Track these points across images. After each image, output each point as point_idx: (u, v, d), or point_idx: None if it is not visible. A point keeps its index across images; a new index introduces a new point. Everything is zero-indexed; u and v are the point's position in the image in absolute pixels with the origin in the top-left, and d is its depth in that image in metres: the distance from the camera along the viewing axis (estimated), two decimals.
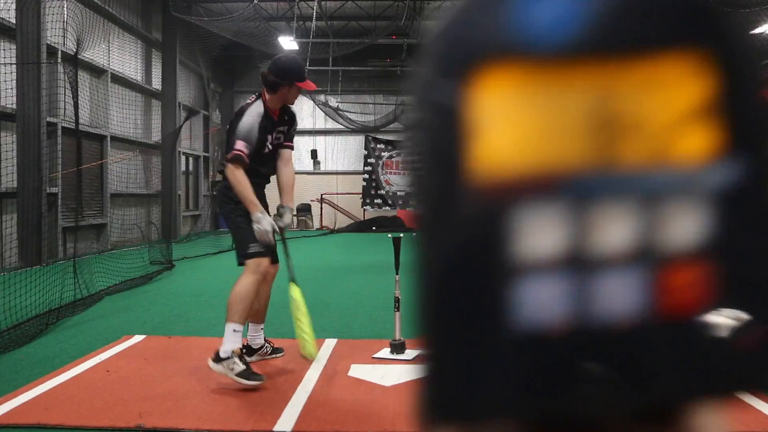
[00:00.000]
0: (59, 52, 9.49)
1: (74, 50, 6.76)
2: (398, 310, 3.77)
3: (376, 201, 16.66)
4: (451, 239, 0.21)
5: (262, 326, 3.69)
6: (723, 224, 0.22)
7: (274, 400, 3.00)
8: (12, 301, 4.80)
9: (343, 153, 19.33)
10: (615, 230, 0.21)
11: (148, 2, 13.60)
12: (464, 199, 0.21)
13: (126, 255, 8.83)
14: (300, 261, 8.96)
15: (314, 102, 16.79)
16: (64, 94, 8.65)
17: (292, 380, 3.30)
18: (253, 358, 3.64)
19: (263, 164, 3.45)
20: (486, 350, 0.22)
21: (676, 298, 0.21)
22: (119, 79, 12.20)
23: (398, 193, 16.23)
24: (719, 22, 0.23)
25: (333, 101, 17.76)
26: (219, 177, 3.49)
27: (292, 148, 3.63)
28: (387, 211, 16.99)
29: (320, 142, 19.24)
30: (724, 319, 0.22)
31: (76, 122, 6.55)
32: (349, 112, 17.86)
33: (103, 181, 11.40)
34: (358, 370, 3.47)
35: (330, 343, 4.11)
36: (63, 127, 9.47)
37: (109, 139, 11.45)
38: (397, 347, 3.72)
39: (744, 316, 0.23)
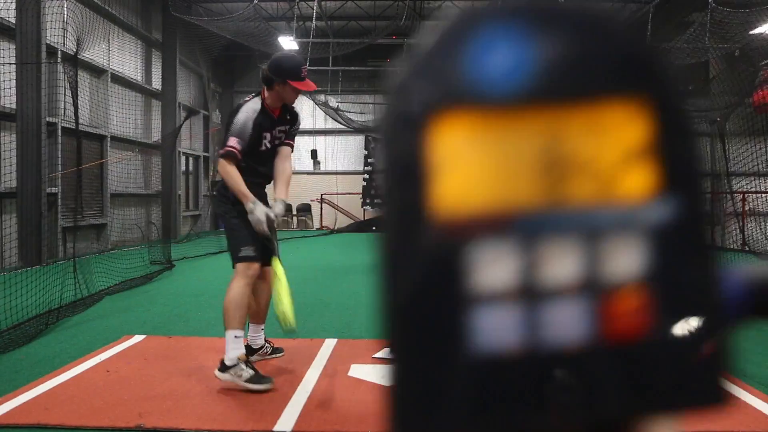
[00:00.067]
0: (59, 52, 9.49)
1: (74, 50, 6.76)
2: None
3: (376, 201, 16.60)
4: (412, 273, 0.25)
5: (262, 327, 3.69)
6: (661, 256, 0.25)
7: (274, 400, 3.00)
8: (12, 301, 4.80)
9: (343, 153, 19.32)
10: (562, 263, 0.24)
11: (148, 2, 13.60)
12: (425, 236, 0.25)
13: (126, 255, 8.83)
14: (300, 261, 8.98)
15: (314, 102, 16.77)
16: (64, 94, 8.65)
17: (292, 380, 3.30)
18: (254, 358, 3.64)
19: (262, 163, 3.42)
20: (445, 374, 0.24)
21: (619, 324, 0.24)
22: (119, 79, 12.20)
23: None
24: (656, 68, 0.26)
25: (333, 101, 17.75)
26: (219, 177, 3.46)
27: (291, 146, 3.60)
28: None
29: (320, 142, 19.24)
30: (668, 341, 0.25)
31: (76, 122, 6.55)
32: (349, 112, 17.85)
33: (103, 181, 11.40)
34: (358, 370, 3.47)
35: (330, 343, 4.11)
36: (63, 127, 9.47)
37: (109, 139, 11.44)
38: None
39: (686, 337, 0.25)
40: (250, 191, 3.25)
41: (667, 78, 0.26)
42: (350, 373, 3.43)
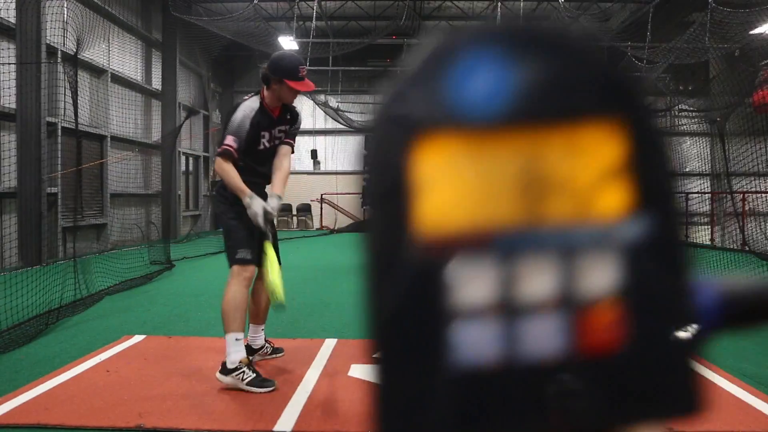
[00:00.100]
0: (59, 52, 9.49)
1: (74, 50, 6.76)
2: None
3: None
4: (396, 288, 0.26)
5: (262, 327, 3.68)
6: (635, 271, 0.26)
7: (274, 400, 3.00)
8: (12, 301, 4.80)
9: (343, 153, 19.32)
10: (540, 280, 0.25)
11: (148, 2, 13.60)
12: (409, 253, 0.26)
13: (126, 255, 8.83)
14: (300, 261, 8.98)
15: (314, 102, 16.77)
16: (64, 94, 8.65)
17: (292, 380, 3.30)
18: (254, 357, 3.64)
19: (261, 163, 3.39)
20: (428, 386, 0.26)
21: (595, 338, 0.25)
22: (119, 79, 12.20)
23: None
24: (630, 90, 0.27)
25: (333, 101, 17.75)
26: (218, 177, 3.44)
27: (291, 145, 3.55)
28: None
29: (320, 142, 19.24)
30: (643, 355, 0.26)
31: (76, 122, 6.55)
32: (349, 112, 17.85)
33: (103, 181, 11.40)
34: (358, 370, 3.47)
35: (330, 343, 4.11)
36: (63, 127, 9.47)
37: (109, 139, 11.45)
38: None
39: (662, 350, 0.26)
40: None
41: (641, 100, 0.28)
42: (350, 373, 3.43)
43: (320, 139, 19.22)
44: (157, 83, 14.14)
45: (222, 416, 2.81)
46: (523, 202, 0.27)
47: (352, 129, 17.86)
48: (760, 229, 10.67)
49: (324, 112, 17.20)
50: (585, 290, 0.26)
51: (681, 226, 0.28)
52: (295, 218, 18.61)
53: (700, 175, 13.31)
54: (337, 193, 18.43)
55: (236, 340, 3.16)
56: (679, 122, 16.00)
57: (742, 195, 11.00)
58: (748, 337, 4.35)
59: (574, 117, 0.27)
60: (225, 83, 18.54)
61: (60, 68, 9.29)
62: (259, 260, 3.35)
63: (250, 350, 3.66)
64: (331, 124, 18.45)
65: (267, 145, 3.40)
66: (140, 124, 13.36)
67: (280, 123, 3.44)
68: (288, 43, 14.04)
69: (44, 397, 3.04)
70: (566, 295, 0.26)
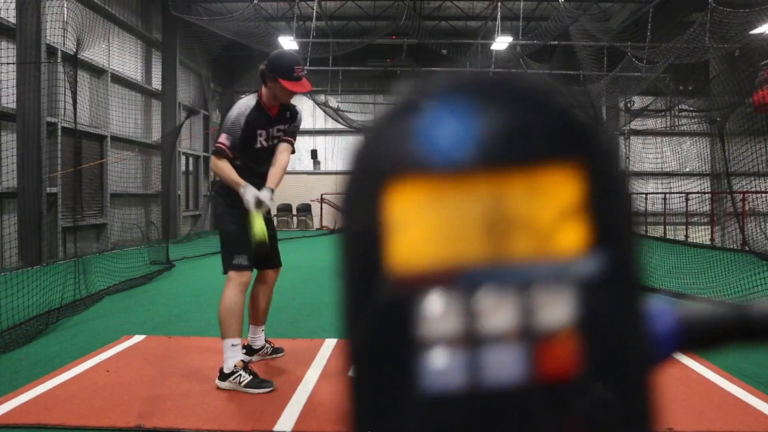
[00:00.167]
0: (59, 52, 9.49)
1: (74, 50, 6.76)
2: None
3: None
4: (368, 320, 0.28)
5: (262, 328, 3.68)
6: (592, 304, 0.28)
7: (274, 400, 3.00)
8: (12, 301, 4.80)
9: (343, 153, 19.32)
10: (502, 312, 0.28)
11: (148, 2, 13.60)
12: (381, 289, 0.28)
13: (126, 255, 8.83)
14: (300, 261, 8.98)
15: (314, 102, 16.77)
16: (64, 94, 8.65)
17: (292, 380, 3.30)
18: (254, 358, 3.64)
19: (259, 162, 3.34)
20: (397, 410, 0.28)
21: (552, 366, 0.27)
22: (119, 79, 12.20)
23: None
24: (589, 136, 0.30)
25: (333, 101, 17.75)
26: (217, 177, 3.43)
27: (289, 141, 3.46)
28: None
29: (320, 142, 19.24)
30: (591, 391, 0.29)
31: (75, 122, 6.55)
32: (349, 112, 17.85)
33: (103, 181, 11.40)
34: None
35: (330, 343, 4.11)
36: (63, 127, 9.47)
37: (109, 139, 11.45)
38: None
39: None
40: None
41: (599, 144, 0.30)
42: (350, 373, 3.42)
43: (320, 139, 19.22)
44: (157, 83, 14.14)
45: (222, 416, 2.81)
46: (488, 240, 0.29)
47: (352, 129, 17.87)
48: (760, 229, 10.66)
49: (324, 112, 17.20)
50: (544, 322, 0.28)
51: (637, 261, 0.30)
52: (295, 218, 18.62)
53: (700, 175, 13.33)
54: (337, 193, 18.39)
55: (233, 345, 3.15)
56: (679, 122, 16.00)
57: (742, 195, 11.00)
58: None
59: (535, 162, 0.29)
60: (225, 83, 18.54)
61: (60, 68, 9.30)
62: (255, 264, 3.34)
63: (250, 350, 3.66)
64: (331, 124, 18.46)
65: (265, 144, 3.36)
66: (140, 124, 13.36)
67: (279, 122, 3.40)
68: (288, 43, 14.04)
69: (44, 397, 3.04)
70: (527, 326, 0.28)
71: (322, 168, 19.21)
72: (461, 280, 0.28)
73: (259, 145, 3.33)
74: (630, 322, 0.29)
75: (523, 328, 0.28)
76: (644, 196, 15.83)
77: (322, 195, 18.18)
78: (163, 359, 3.73)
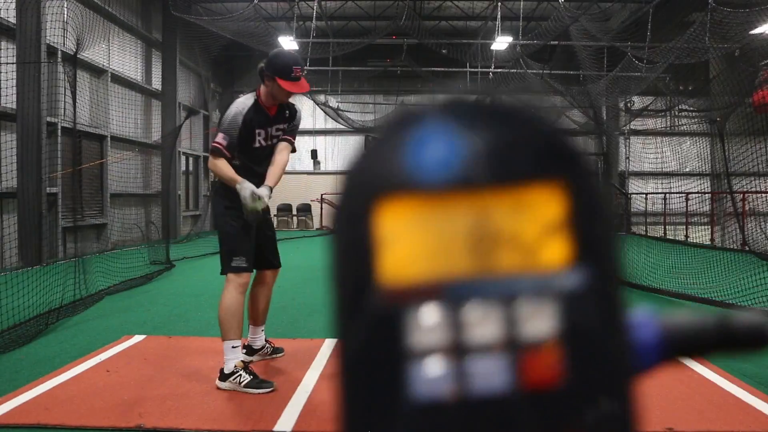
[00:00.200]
0: (59, 52, 9.49)
1: (74, 50, 6.76)
2: None
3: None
4: (360, 332, 0.30)
5: (262, 328, 3.68)
6: (574, 316, 0.30)
7: (274, 401, 3.00)
8: (12, 301, 4.80)
9: (343, 153, 19.32)
10: (488, 324, 0.29)
11: (148, 2, 13.60)
12: (371, 302, 0.30)
13: (126, 255, 8.83)
14: (300, 261, 8.98)
15: (314, 102, 16.77)
16: (64, 94, 8.65)
17: (292, 380, 3.30)
18: (254, 358, 3.64)
19: (258, 162, 3.31)
20: (388, 419, 0.30)
21: (536, 375, 0.29)
22: (119, 79, 12.20)
23: None
24: (571, 156, 0.31)
25: (333, 101, 17.75)
26: (216, 177, 3.42)
27: (289, 140, 3.43)
28: None
29: (320, 142, 19.25)
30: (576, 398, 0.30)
31: (74, 122, 6.55)
32: (349, 111, 17.85)
33: (103, 181, 11.40)
34: None
35: (330, 344, 4.10)
36: (63, 127, 9.47)
37: (109, 139, 11.45)
38: None
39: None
40: None
41: (581, 164, 0.31)
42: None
43: (320, 139, 19.23)
44: (157, 83, 14.14)
45: (222, 416, 2.81)
46: (474, 255, 0.30)
47: (352, 129, 17.88)
48: (760, 229, 10.66)
49: (324, 112, 17.21)
50: (528, 333, 0.29)
51: (618, 274, 0.31)
52: (295, 218, 18.62)
53: (700, 175, 13.32)
54: (337, 193, 18.40)
55: (233, 347, 3.15)
56: (679, 122, 16.00)
57: (742, 195, 11.00)
58: None
59: (520, 180, 0.30)
60: (225, 83, 18.55)
61: (60, 68, 9.29)
62: (257, 265, 3.33)
63: (250, 350, 3.66)
64: (331, 124, 18.46)
65: (263, 143, 3.33)
66: (140, 124, 13.36)
67: (278, 121, 3.37)
68: (288, 43, 14.04)
69: (44, 397, 3.04)
70: (512, 337, 0.29)
71: (322, 168, 19.21)
72: (449, 293, 0.30)
73: (257, 145, 3.30)
74: (612, 332, 0.31)
75: (508, 339, 0.29)
76: (644, 196, 15.83)
77: (322, 195, 18.17)
78: (163, 359, 3.73)
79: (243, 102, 3.26)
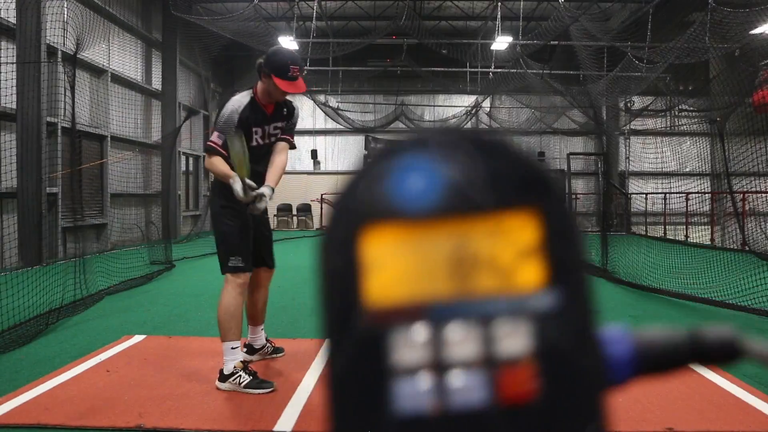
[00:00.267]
0: (59, 52, 9.49)
1: (74, 50, 6.75)
2: None
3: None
4: (347, 351, 0.32)
5: (261, 327, 3.68)
6: (548, 334, 0.32)
7: (274, 401, 3.00)
8: (12, 302, 4.80)
9: (343, 153, 19.33)
10: (467, 343, 0.31)
11: (148, 2, 13.60)
12: (357, 323, 0.32)
13: (126, 255, 8.83)
14: (300, 261, 8.98)
15: (314, 102, 16.77)
16: (64, 95, 8.64)
17: (292, 380, 3.30)
18: (255, 357, 3.64)
19: (256, 161, 3.24)
20: (372, 430, 0.31)
21: (512, 392, 0.31)
22: (119, 79, 12.20)
23: None
24: (545, 185, 0.33)
25: (333, 101, 17.76)
26: (214, 175, 3.40)
27: (288, 140, 3.41)
28: None
29: (320, 142, 19.24)
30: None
31: (73, 122, 6.55)
32: (349, 111, 17.85)
33: (103, 181, 11.40)
34: None
35: None
36: (63, 127, 9.47)
37: (109, 139, 11.45)
38: None
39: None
40: None
41: (554, 193, 0.33)
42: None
43: (320, 139, 19.22)
44: (157, 83, 14.13)
45: (222, 416, 2.81)
46: (454, 278, 0.32)
47: (352, 129, 17.88)
48: (760, 229, 10.66)
49: (324, 112, 17.21)
50: (505, 351, 0.31)
51: (589, 295, 0.33)
52: (295, 218, 18.62)
53: (700, 175, 13.32)
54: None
55: (232, 348, 3.14)
56: (679, 122, 16.00)
57: (742, 195, 11.00)
58: (748, 338, 4.34)
59: (497, 208, 0.33)
60: (225, 83, 18.54)
61: (60, 68, 9.29)
62: (253, 264, 3.32)
63: (251, 349, 3.66)
64: (331, 124, 18.46)
65: (261, 141, 3.30)
66: (140, 124, 13.36)
67: (275, 119, 3.33)
68: (288, 43, 14.04)
69: (44, 397, 3.04)
70: (489, 355, 0.31)
71: (322, 168, 19.21)
72: (430, 314, 0.32)
73: (255, 143, 3.26)
74: (584, 349, 0.33)
75: (486, 357, 0.31)
76: (644, 196, 15.83)
77: (322, 195, 18.18)
78: (163, 359, 3.73)
79: (239, 100, 3.23)
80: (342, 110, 17.45)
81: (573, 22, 12.05)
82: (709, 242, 12.44)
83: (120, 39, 12.41)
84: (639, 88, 13.55)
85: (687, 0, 11.87)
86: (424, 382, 0.31)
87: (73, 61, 6.72)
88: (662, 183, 15.42)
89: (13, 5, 8.52)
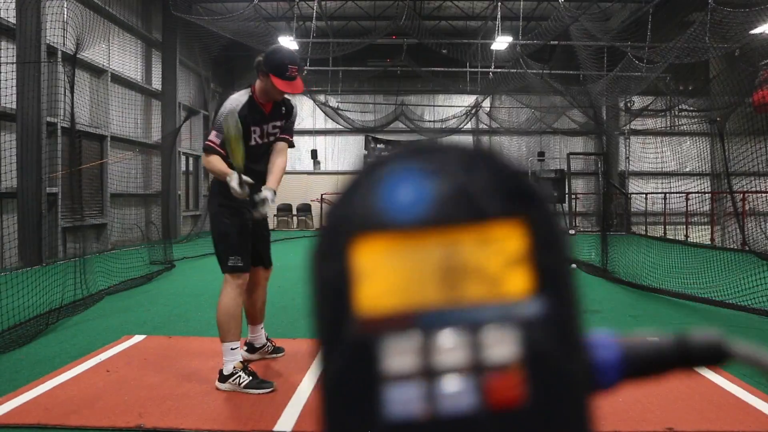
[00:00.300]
0: (59, 52, 9.48)
1: (73, 50, 6.75)
2: None
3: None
4: (339, 358, 0.32)
5: (261, 326, 3.68)
6: (535, 340, 0.32)
7: (274, 401, 3.00)
8: (12, 302, 4.80)
9: (343, 153, 19.33)
10: (456, 349, 0.32)
11: (148, 2, 13.60)
12: (349, 330, 0.32)
13: (126, 255, 8.83)
14: (300, 261, 8.96)
15: (314, 102, 16.77)
16: (64, 95, 8.64)
17: (292, 380, 3.31)
18: (255, 356, 3.64)
19: (255, 160, 3.24)
20: None
21: (500, 397, 0.31)
22: (119, 79, 12.20)
23: None
24: (531, 195, 0.34)
25: (333, 101, 17.75)
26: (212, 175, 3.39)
27: (287, 140, 3.39)
28: None
29: (320, 142, 19.24)
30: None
31: (72, 122, 6.55)
32: (349, 111, 17.85)
33: (103, 181, 11.40)
34: None
35: None
36: (63, 127, 9.47)
37: (109, 139, 11.44)
38: None
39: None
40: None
41: (540, 203, 0.34)
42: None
43: (320, 139, 19.22)
44: (157, 83, 14.13)
45: (222, 416, 2.81)
46: (443, 287, 0.33)
47: (352, 129, 17.88)
48: (760, 229, 10.66)
49: (324, 112, 17.21)
50: (493, 357, 0.32)
51: (575, 302, 0.34)
52: (295, 218, 18.62)
53: (700, 175, 13.31)
54: (337, 193, 18.39)
55: (231, 349, 3.14)
56: (679, 122, 16.00)
57: (742, 195, 11.00)
58: (748, 337, 4.35)
59: (485, 218, 0.33)
60: (225, 83, 18.54)
61: (60, 68, 9.29)
62: (252, 264, 3.31)
63: (252, 348, 3.66)
64: (331, 124, 18.45)
65: (259, 141, 3.28)
66: (140, 124, 13.35)
67: (274, 118, 3.31)
68: (288, 43, 14.04)
69: (44, 397, 3.04)
70: (477, 361, 0.32)
71: (322, 168, 19.20)
72: (420, 322, 0.33)
73: (253, 143, 3.25)
74: (571, 354, 0.33)
75: (474, 363, 0.32)
76: (644, 196, 15.83)
77: (322, 195, 18.17)
78: (163, 359, 3.73)
79: (237, 99, 3.22)
80: (342, 110, 17.45)
81: (573, 22, 12.05)
82: (709, 242, 12.44)
83: (120, 39, 12.41)
84: (639, 88, 13.55)
85: (687, 0, 11.87)
86: (415, 388, 0.31)
87: (73, 61, 6.72)
88: (662, 183, 15.42)
89: (13, 5, 8.52)
